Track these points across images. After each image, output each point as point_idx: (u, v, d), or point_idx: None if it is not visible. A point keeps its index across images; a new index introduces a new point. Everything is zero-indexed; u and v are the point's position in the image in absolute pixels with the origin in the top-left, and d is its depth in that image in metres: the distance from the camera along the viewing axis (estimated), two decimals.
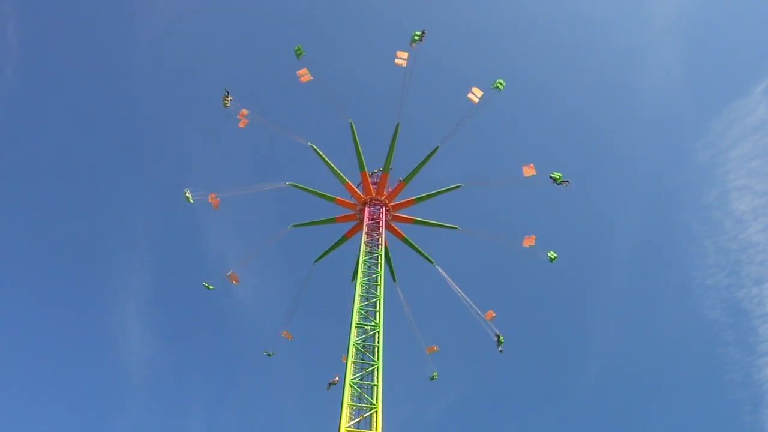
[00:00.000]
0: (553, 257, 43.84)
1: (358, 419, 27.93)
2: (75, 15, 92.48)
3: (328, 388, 35.55)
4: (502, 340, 41.64)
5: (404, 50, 42.33)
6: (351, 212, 45.20)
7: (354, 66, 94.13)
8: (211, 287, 45.16)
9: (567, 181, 42.55)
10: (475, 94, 41.98)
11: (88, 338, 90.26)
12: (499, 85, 41.93)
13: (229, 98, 43.17)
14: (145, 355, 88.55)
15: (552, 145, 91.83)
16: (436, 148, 43.66)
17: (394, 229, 45.20)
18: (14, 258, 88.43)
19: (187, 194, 43.17)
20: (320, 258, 46.20)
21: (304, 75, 43.18)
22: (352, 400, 28.75)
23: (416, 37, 41.53)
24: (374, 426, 27.55)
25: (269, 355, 46.35)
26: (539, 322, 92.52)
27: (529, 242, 43.69)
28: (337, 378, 35.54)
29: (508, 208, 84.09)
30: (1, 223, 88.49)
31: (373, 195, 44.48)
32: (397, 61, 42.34)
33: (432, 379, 44.53)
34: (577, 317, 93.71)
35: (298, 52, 42.88)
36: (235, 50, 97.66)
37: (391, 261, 45.56)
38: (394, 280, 45.59)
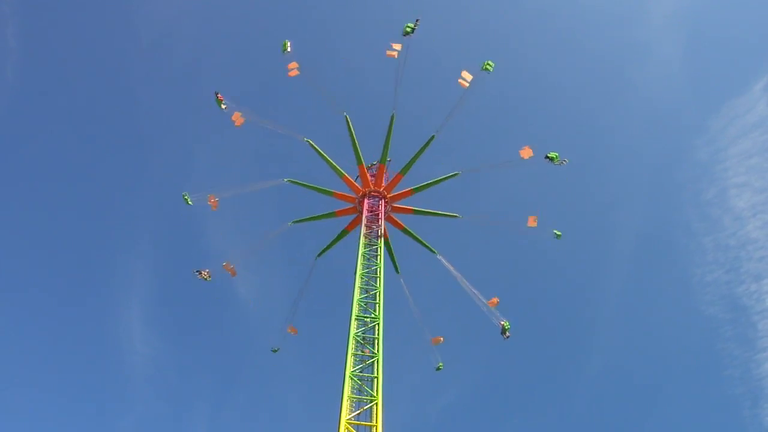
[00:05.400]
0: (558, 235, 43.94)
1: (358, 411, 27.99)
2: (75, 16, 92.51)
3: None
4: (508, 327, 40.51)
5: (397, 42, 42.11)
6: (350, 205, 45.21)
7: (348, 58, 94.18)
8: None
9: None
10: (465, 79, 41.62)
11: (92, 337, 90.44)
12: (488, 66, 41.60)
13: (222, 99, 43.13)
14: (148, 353, 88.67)
15: (551, 141, 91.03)
16: (432, 137, 43.46)
17: (394, 220, 45.16)
18: (17, 257, 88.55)
19: (185, 197, 43.39)
20: (322, 252, 46.28)
21: (293, 69, 43.12)
22: (352, 392, 28.82)
23: (408, 29, 41.36)
24: (374, 418, 27.62)
25: (275, 351, 46.76)
26: (540, 319, 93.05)
27: (533, 223, 43.53)
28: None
29: (507, 206, 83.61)
30: (4, 224, 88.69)
31: (371, 187, 44.42)
32: (389, 52, 42.16)
33: (438, 369, 44.53)
34: (577, 313, 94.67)
35: (284, 48, 42.91)
36: (233, 49, 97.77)
37: (393, 252, 45.60)
38: (397, 272, 45.61)
